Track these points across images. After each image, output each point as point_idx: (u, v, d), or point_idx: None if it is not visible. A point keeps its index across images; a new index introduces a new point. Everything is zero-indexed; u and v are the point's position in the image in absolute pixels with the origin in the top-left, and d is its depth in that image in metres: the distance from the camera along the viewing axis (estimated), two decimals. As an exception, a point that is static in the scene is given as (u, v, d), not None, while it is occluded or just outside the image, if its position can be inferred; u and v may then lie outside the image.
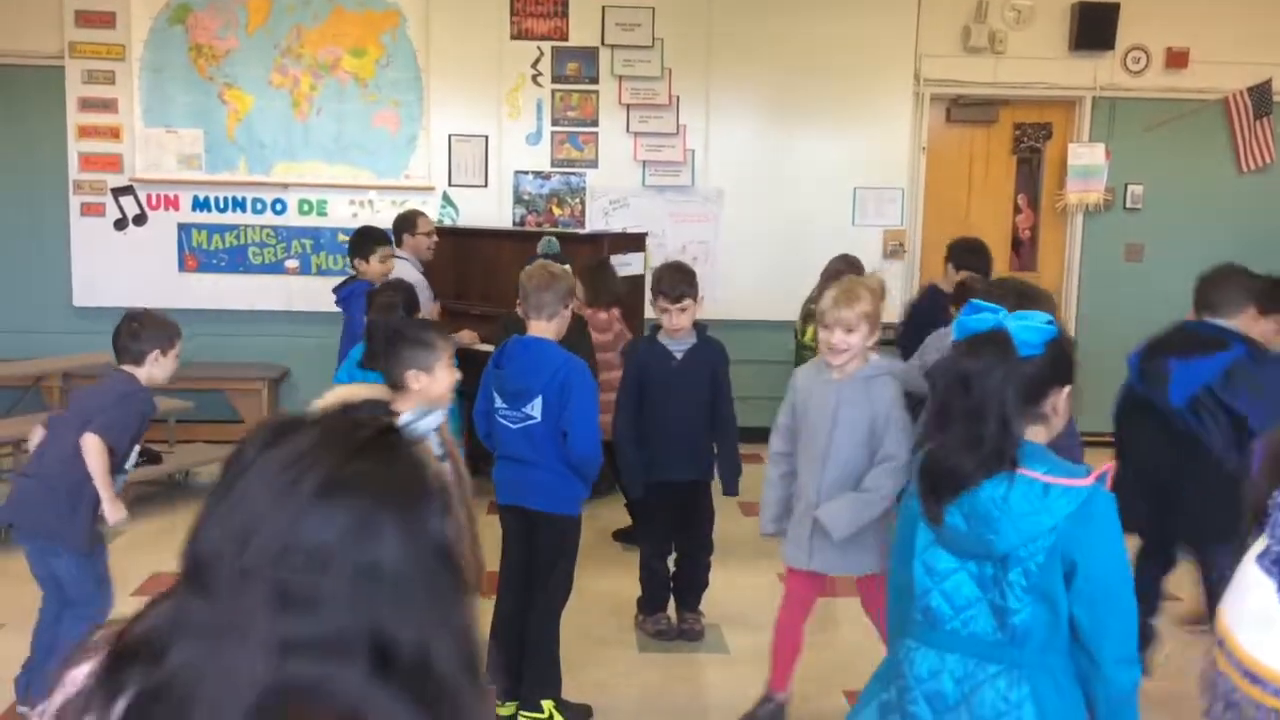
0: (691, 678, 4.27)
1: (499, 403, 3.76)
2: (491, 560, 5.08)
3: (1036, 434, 2.21)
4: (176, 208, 7.64)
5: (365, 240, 6.05)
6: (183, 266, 7.59)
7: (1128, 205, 8.06)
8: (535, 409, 3.68)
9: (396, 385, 3.05)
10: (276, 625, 1.00)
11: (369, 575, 1.03)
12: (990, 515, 2.12)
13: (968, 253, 5.84)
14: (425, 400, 2.94)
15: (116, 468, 3.68)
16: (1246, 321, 4.00)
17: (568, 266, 4.47)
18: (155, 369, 3.81)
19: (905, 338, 5.77)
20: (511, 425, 3.72)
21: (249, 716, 0.98)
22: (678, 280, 4.27)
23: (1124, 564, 2.16)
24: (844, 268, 5.47)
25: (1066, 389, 2.23)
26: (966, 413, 2.14)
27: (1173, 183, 8.01)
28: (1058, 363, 2.20)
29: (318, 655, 1.00)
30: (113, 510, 3.67)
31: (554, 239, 5.50)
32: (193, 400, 7.00)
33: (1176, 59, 7.86)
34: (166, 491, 6.37)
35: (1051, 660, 2.16)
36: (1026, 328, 2.16)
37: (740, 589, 5.23)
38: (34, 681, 3.62)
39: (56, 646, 3.55)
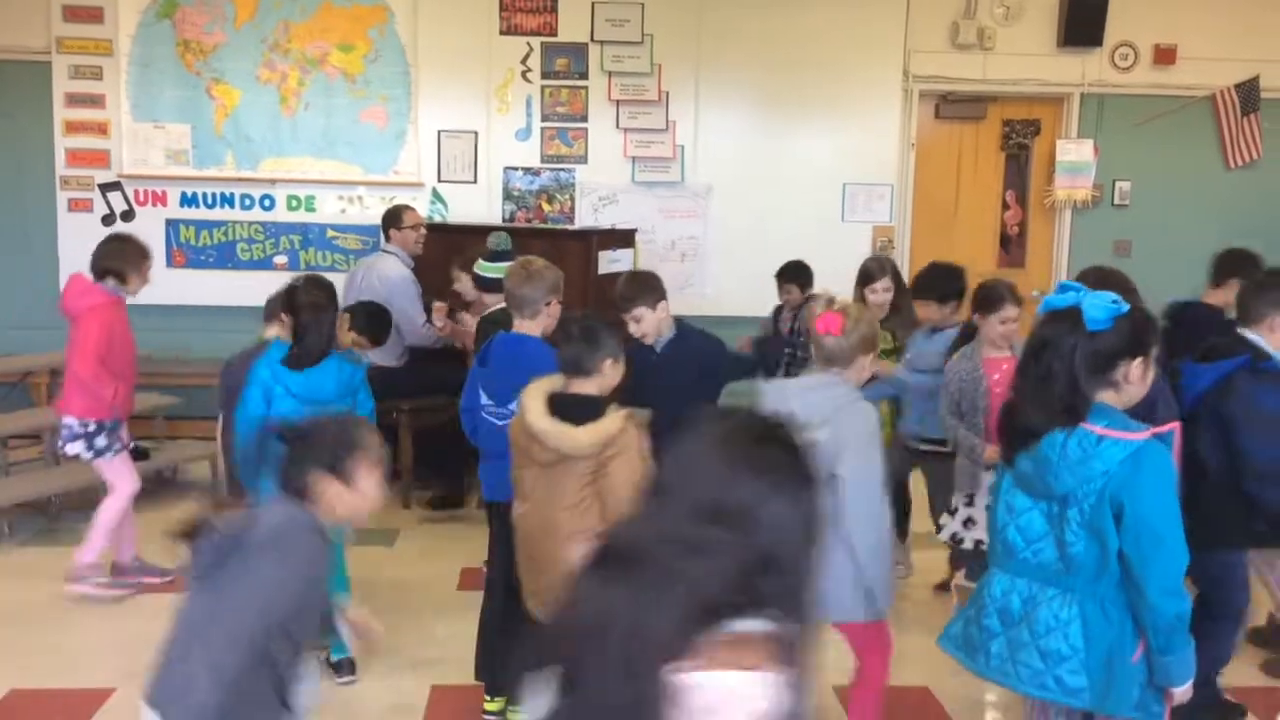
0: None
1: (485, 399, 3.76)
2: (477, 557, 5.10)
3: (1109, 397, 2.54)
4: (164, 204, 7.61)
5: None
6: (171, 263, 7.56)
7: (1116, 201, 8.09)
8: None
9: (589, 372, 3.17)
10: (698, 567, 1.38)
11: (772, 529, 1.44)
12: (1050, 460, 2.50)
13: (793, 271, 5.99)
14: (604, 389, 3.18)
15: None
16: (1266, 331, 3.82)
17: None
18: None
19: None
20: (498, 422, 3.70)
21: (675, 643, 1.35)
22: (626, 291, 4.20)
23: (1170, 509, 2.45)
24: (874, 268, 5.27)
25: (1138, 359, 2.55)
26: (1039, 375, 2.54)
27: (1160, 179, 8.03)
28: (1127, 336, 2.53)
29: (737, 589, 1.40)
30: None
31: (505, 234, 5.48)
32: (181, 397, 6.99)
33: (1164, 55, 7.88)
34: (154, 488, 6.36)
35: (1101, 589, 2.51)
36: (1095, 305, 2.51)
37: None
38: None
39: None
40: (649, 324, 4.10)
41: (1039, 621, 2.56)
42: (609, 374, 3.19)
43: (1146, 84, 7.95)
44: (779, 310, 6.09)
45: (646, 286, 4.18)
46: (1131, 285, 3.67)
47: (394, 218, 6.50)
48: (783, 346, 5.54)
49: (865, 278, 5.11)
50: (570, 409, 3.08)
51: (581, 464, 3.05)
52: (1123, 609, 2.51)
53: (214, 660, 2.13)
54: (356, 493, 2.35)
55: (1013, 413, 2.64)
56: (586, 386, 3.16)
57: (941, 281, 4.88)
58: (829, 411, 2.96)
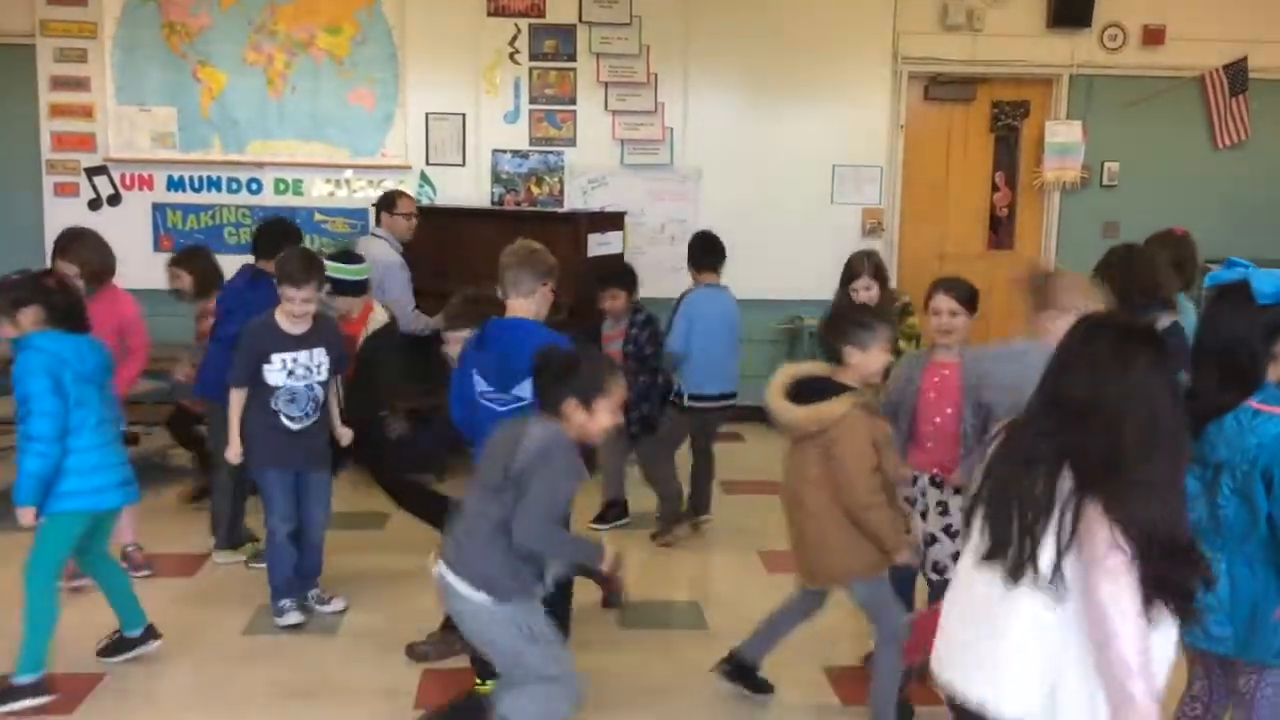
0: (671, 655, 4.29)
1: (484, 386, 3.73)
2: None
3: (1272, 371, 2.70)
4: (151, 187, 7.57)
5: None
6: (158, 247, 7.52)
7: (1104, 182, 8.10)
8: (525, 390, 3.61)
9: (839, 360, 3.42)
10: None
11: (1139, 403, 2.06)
12: (1208, 433, 2.65)
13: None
14: (860, 376, 3.40)
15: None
16: None
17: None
18: None
19: None
20: (498, 408, 3.67)
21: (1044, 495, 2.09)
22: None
23: None
24: (856, 264, 5.01)
25: None
26: (1219, 349, 2.69)
27: (1149, 160, 8.04)
28: None
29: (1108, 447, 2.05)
30: None
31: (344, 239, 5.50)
32: (169, 383, 6.95)
33: (1153, 36, 7.88)
34: (143, 473, 6.33)
35: (1249, 548, 2.66)
36: (1263, 279, 2.65)
37: (718, 567, 5.25)
38: None
39: None
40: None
41: None
42: (858, 363, 3.41)
43: (1135, 65, 7.95)
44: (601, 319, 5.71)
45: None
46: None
47: (388, 202, 6.46)
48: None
49: (849, 274, 4.95)
50: (809, 389, 3.39)
51: (815, 443, 3.36)
52: (1268, 567, 2.66)
53: (510, 541, 2.95)
54: (593, 422, 3.05)
55: (1191, 388, 2.71)
56: (847, 375, 3.41)
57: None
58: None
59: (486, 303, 4.03)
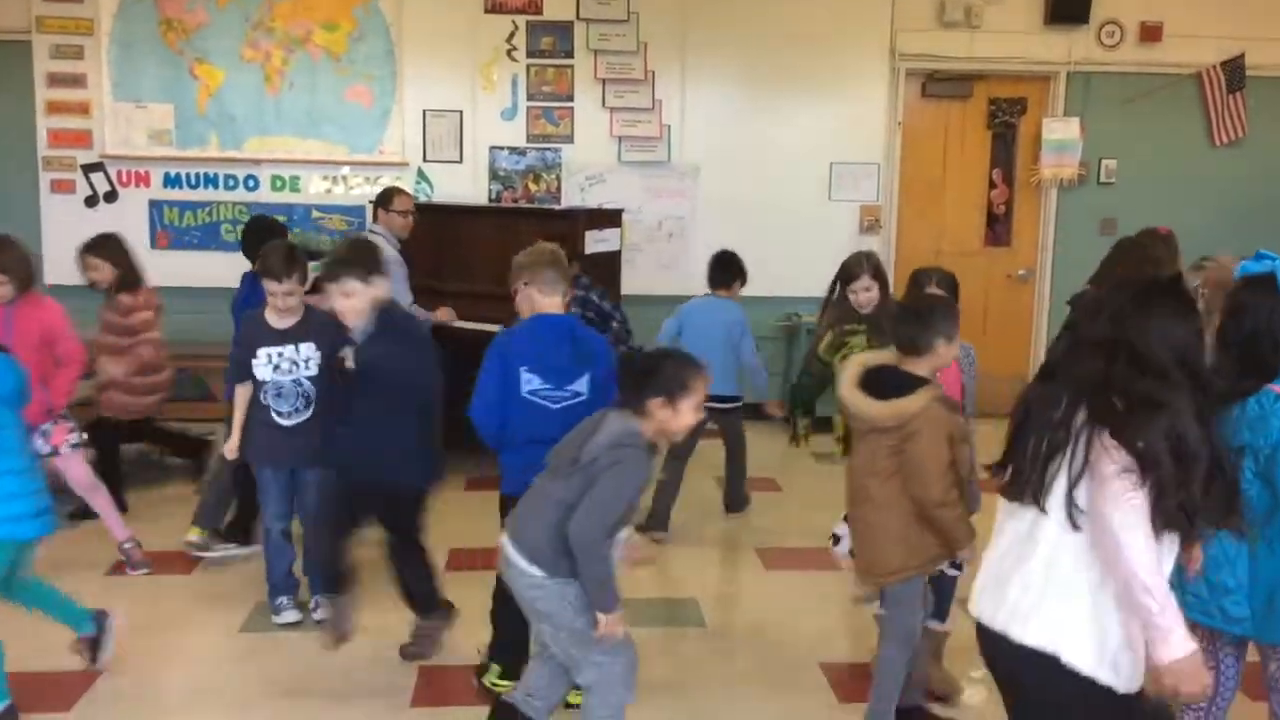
0: (669, 653, 4.29)
1: (538, 384, 3.67)
2: (468, 537, 5.10)
3: None
4: (147, 184, 7.56)
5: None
6: (154, 244, 7.52)
7: (1102, 179, 8.10)
8: (583, 385, 3.67)
9: (921, 351, 3.39)
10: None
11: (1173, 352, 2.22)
12: (1230, 417, 2.72)
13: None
14: (934, 368, 3.40)
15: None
16: None
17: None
18: None
19: None
20: (552, 405, 3.65)
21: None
22: (344, 254, 4.25)
23: None
24: (854, 264, 4.74)
25: None
26: (1241, 338, 2.79)
27: (1146, 157, 8.04)
28: None
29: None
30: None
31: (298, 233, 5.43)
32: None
33: (1150, 33, 7.88)
34: (141, 471, 6.34)
35: (1270, 531, 2.73)
36: None
37: (717, 564, 5.25)
38: None
39: None
40: (357, 303, 3.85)
41: (1209, 557, 2.76)
42: (942, 354, 3.40)
43: (1133, 62, 7.95)
44: None
45: (367, 253, 4.05)
46: None
47: (385, 199, 6.46)
48: None
49: (846, 276, 4.67)
50: (885, 382, 3.36)
51: (887, 436, 3.31)
52: None
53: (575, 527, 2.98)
54: (677, 419, 3.06)
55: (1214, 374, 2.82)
56: (918, 366, 3.38)
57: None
58: None
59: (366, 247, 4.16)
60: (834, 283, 4.67)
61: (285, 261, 4.30)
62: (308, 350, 4.34)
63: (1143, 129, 7.98)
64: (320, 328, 4.37)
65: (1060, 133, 7.97)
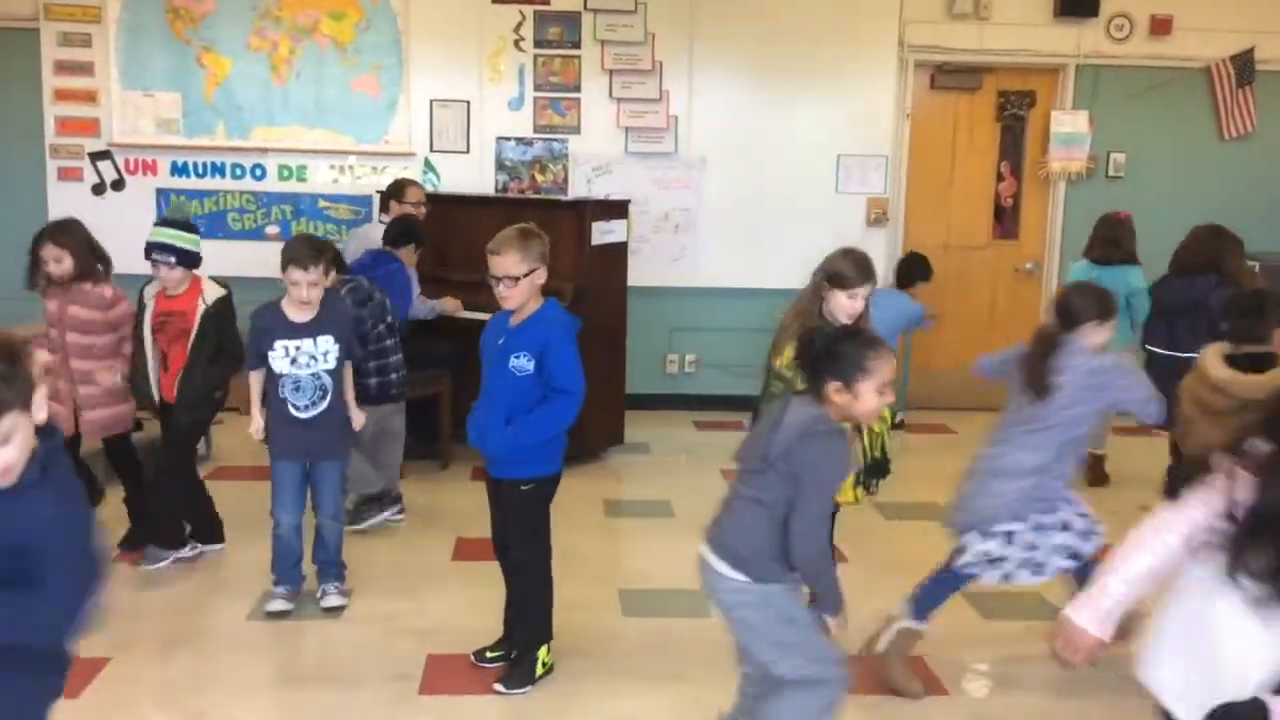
0: (674, 643, 4.29)
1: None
2: (471, 527, 5.11)
3: None
4: (155, 173, 7.56)
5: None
6: (161, 232, 7.51)
7: (1110, 173, 8.08)
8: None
9: (1260, 339, 3.81)
10: None
11: None
12: None
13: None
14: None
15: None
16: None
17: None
18: None
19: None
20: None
21: None
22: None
23: None
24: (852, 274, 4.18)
25: None
26: None
27: (1155, 151, 8.02)
28: None
29: None
30: None
31: (183, 202, 5.33)
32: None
33: (1160, 26, 7.85)
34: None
35: None
36: None
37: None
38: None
39: None
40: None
41: None
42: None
43: (1142, 55, 7.93)
44: None
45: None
46: None
47: (398, 191, 6.46)
48: None
49: (840, 279, 4.10)
50: (1248, 363, 3.72)
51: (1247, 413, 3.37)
52: None
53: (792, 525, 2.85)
54: (859, 404, 2.88)
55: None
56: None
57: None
58: None
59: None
60: (818, 280, 4.13)
61: (312, 250, 4.27)
62: (326, 343, 4.33)
63: (1152, 123, 7.96)
64: (338, 318, 4.39)
65: (1069, 126, 7.95)
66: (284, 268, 4.27)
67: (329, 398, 4.34)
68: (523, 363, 3.68)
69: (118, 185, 7.55)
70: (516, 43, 7.61)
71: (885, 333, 4.45)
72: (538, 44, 7.63)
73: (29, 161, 7.47)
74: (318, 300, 4.32)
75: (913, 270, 7.28)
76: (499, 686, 3.82)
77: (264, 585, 4.54)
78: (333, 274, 4.52)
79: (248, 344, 4.43)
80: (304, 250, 4.26)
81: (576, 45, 7.64)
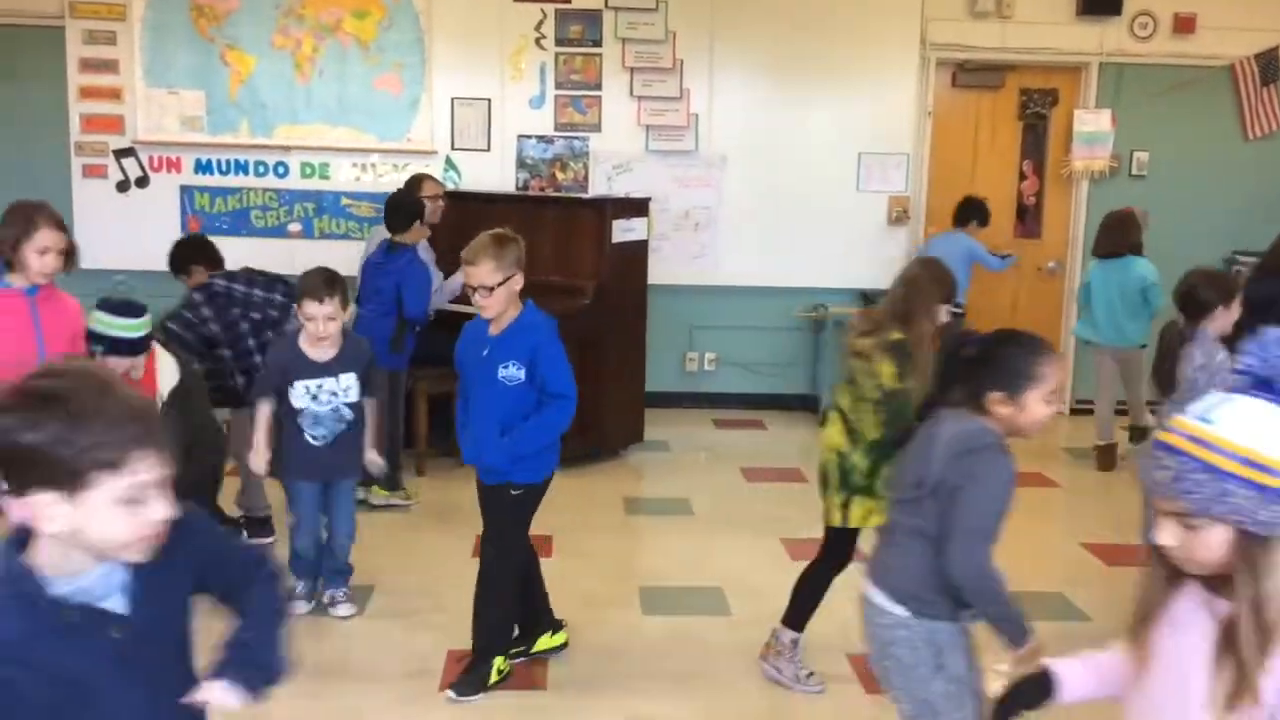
0: (693, 641, 4.30)
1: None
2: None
3: None
4: (179, 170, 7.61)
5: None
6: (185, 229, 7.56)
7: (1133, 172, 8.03)
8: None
9: None
10: None
11: None
12: None
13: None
14: None
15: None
16: None
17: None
18: None
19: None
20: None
21: None
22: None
23: None
24: (920, 271, 4.05)
25: None
26: None
27: (1179, 149, 7.97)
28: None
29: None
30: None
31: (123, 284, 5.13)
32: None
33: (1184, 24, 7.80)
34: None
35: None
36: None
37: (741, 554, 5.26)
38: None
39: None
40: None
41: None
42: None
43: (1166, 53, 7.87)
44: None
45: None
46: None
47: (414, 185, 6.48)
48: None
49: (948, 294, 3.92)
50: None
51: None
52: None
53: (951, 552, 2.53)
54: (1025, 415, 2.56)
55: None
56: None
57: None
58: None
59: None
60: (953, 302, 3.91)
61: (326, 281, 4.10)
62: (348, 380, 4.24)
63: (1175, 121, 7.91)
64: (359, 355, 4.28)
65: (1092, 124, 7.91)
66: (299, 302, 4.14)
67: (347, 425, 4.28)
68: (513, 371, 3.62)
69: (142, 182, 7.61)
70: (538, 41, 7.63)
71: (954, 267, 4.36)
72: (559, 42, 7.64)
73: (54, 159, 7.52)
74: (336, 334, 4.18)
75: (968, 212, 7.28)
76: (450, 693, 3.77)
77: (283, 582, 4.56)
78: (351, 307, 4.37)
79: (260, 376, 4.33)
80: (318, 282, 4.09)
81: (597, 43, 7.65)
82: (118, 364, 4.06)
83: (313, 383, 4.17)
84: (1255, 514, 1.59)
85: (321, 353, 4.18)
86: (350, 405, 4.24)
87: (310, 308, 4.07)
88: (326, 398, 4.20)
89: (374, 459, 4.41)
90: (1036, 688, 1.99)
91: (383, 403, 4.62)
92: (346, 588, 4.48)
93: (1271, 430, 1.60)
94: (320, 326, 4.08)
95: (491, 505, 3.83)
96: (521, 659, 3.99)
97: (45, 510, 1.49)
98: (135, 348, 4.09)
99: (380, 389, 4.52)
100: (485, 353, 3.65)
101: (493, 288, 3.56)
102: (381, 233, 6.51)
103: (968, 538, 2.51)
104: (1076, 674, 1.98)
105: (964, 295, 6.86)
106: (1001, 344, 2.63)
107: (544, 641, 4.07)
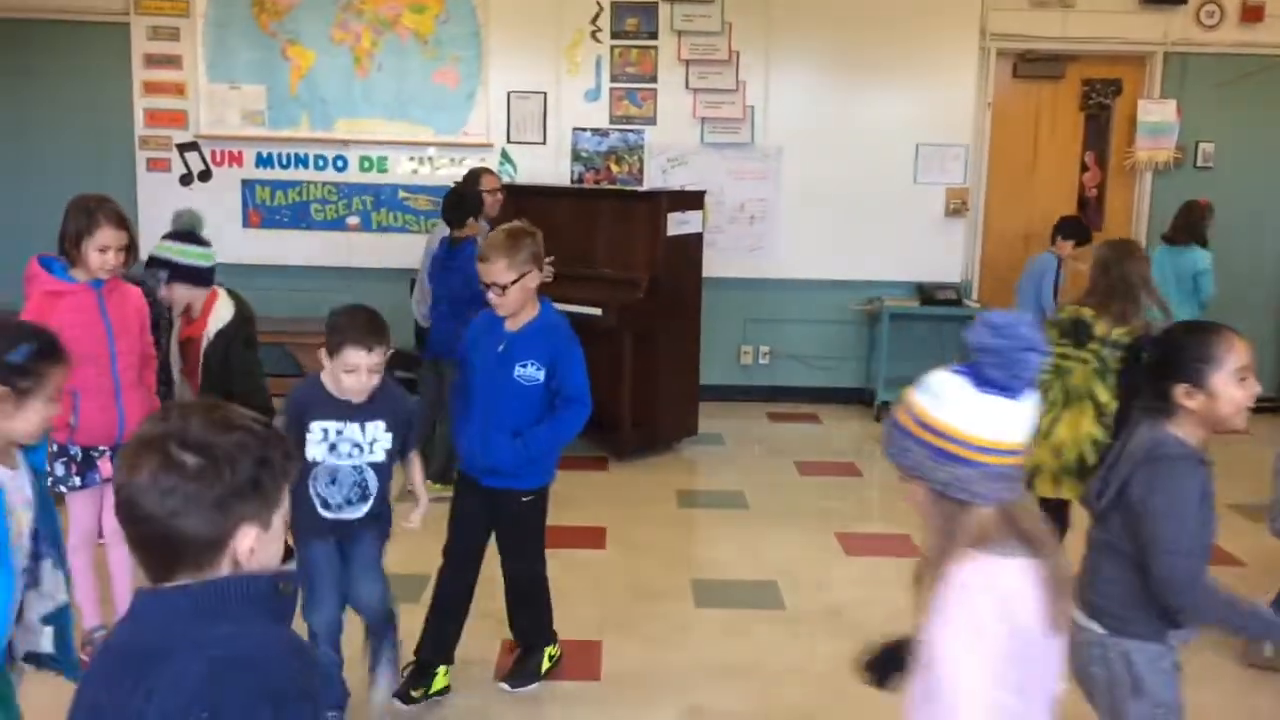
0: (747, 634, 4.29)
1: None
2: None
3: None
4: (240, 164, 7.73)
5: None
6: (247, 222, 7.69)
7: (1198, 164, 7.88)
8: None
9: None
10: None
11: None
12: None
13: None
14: None
15: None
16: None
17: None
18: None
19: None
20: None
21: None
22: None
23: None
24: (1109, 254, 4.54)
25: None
26: None
27: (1245, 141, 7.80)
28: None
29: None
30: None
31: (193, 211, 4.76)
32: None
33: (1252, 13, 7.63)
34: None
35: None
36: None
37: (796, 547, 5.24)
38: None
39: None
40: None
41: None
42: None
43: (1232, 43, 7.71)
44: None
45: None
46: None
47: (472, 179, 6.50)
48: None
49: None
50: None
51: None
52: None
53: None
54: (1219, 402, 2.40)
55: None
56: None
57: None
58: None
59: None
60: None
61: (374, 327, 3.25)
62: (375, 430, 3.31)
63: (1242, 112, 7.74)
64: (395, 403, 3.38)
65: (1156, 115, 7.77)
66: (334, 349, 3.23)
67: (370, 502, 3.35)
68: (531, 372, 3.50)
69: (204, 176, 7.73)
70: (594, 34, 7.64)
71: (1025, 299, 4.46)
72: (614, 35, 7.64)
73: (120, 153, 7.66)
74: (372, 388, 3.28)
75: (1058, 227, 6.88)
76: (505, 685, 3.80)
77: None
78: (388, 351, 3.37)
79: (282, 425, 3.13)
80: (365, 327, 3.23)
81: (653, 35, 7.64)
82: (183, 295, 4.04)
83: (332, 425, 3.28)
84: (934, 474, 1.75)
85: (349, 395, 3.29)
86: (375, 467, 3.33)
87: (354, 356, 3.20)
88: (348, 449, 3.30)
89: (415, 520, 3.50)
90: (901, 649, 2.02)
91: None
92: (394, 651, 3.57)
93: (945, 397, 1.74)
94: (364, 379, 3.22)
95: (500, 513, 3.69)
96: (419, 702, 3.69)
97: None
98: (204, 278, 4.05)
99: (414, 444, 3.54)
100: (501, 348, 3.53)
101: (506, 285, 3.44)
102: (444, 229, 6.56)
103: (1166, 557, 2.35)
104: None
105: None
106: (1172, 336, 2.55)
107: (439, 680, 3.74)
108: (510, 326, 3.55)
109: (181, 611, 1.41)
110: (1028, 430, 1.75)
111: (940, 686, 1.70)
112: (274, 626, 1.47)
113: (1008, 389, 1.71)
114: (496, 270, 3.43)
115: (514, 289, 3.46)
